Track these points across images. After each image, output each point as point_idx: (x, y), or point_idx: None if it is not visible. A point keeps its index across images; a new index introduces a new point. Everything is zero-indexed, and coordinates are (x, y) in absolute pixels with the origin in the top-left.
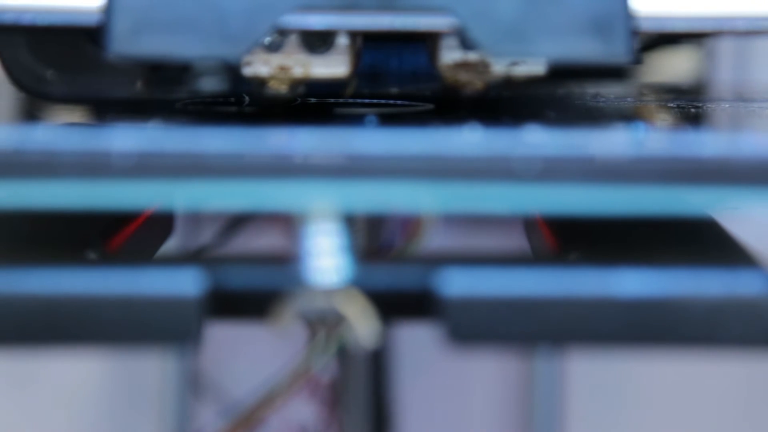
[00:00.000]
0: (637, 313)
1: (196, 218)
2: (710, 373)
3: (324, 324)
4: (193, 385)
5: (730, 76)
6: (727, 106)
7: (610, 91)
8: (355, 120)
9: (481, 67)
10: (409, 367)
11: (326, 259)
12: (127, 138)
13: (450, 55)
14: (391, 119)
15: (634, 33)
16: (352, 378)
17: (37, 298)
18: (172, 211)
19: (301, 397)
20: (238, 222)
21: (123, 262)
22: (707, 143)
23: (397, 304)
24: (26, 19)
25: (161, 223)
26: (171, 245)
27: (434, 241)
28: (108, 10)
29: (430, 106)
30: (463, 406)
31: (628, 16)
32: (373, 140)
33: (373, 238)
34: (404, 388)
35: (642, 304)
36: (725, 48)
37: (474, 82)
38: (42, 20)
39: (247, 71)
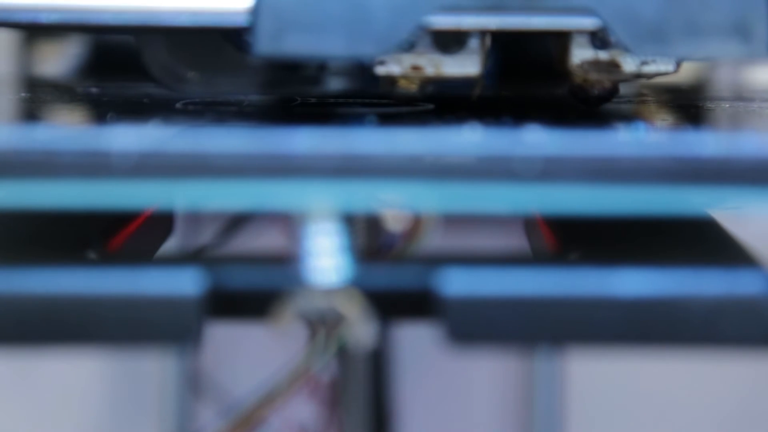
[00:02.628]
0: (637, 313)
1: (196, 218)
2: (710, 373)
3: (324, 324)
4: (193, 385)
5: (730, 75)
6: (727, 105)
7: None
8: (355, 120)
9: (612, 66)
10: (409, 367)
11: (326, 258)
12: (127, 138)
13: (580, 54)
14: (391, 119)
15: None
16: (352, 378)
17: (36, 298)
18: (172, 211)
19: (301, 397)
20: (238, 222)
21: (123, 262)
22: (707, 143)
23: (397, 304)
24: (177, 21)
25: (161, 222)
26: (171, 245)
27: (434, 241)
28: (255, 11)
29: (429, 106)
30: (463, 406)
31: None
32: (373, 140)
33: (373, 238)
34: (404, 387)
35: (642, 304)
36: None
37: (603, 81)
38: (191, 22)
39: (380, 70)
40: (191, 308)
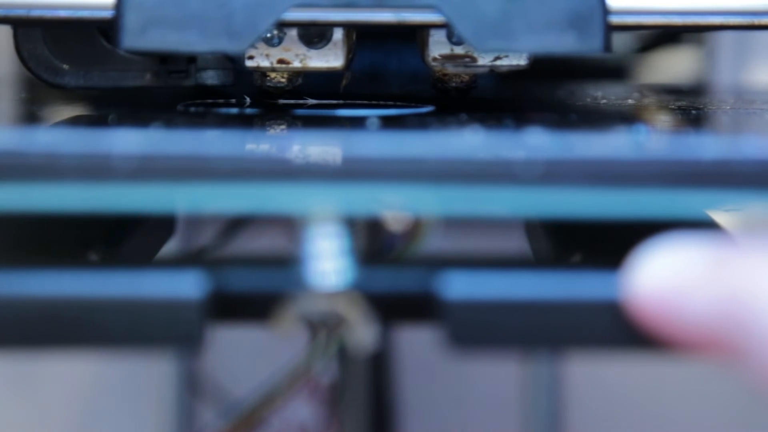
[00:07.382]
0: None
1: (197, 220)
2: (709, 376)
3: (325, 326)
4: (193, 385)
5: (730, 76)
6: (727, 107)
7: (610, 93)
8: (356, 122)
9: (466, 59)
10: (410, 369)
11: (327, 261)
12: (128, 141)
13: (438, 50)
14: (392, 122)
15: (610, 26)
16: (352, 380)
17: (38, 300)
18: (174, 214)
19: (301, 398)
20: (239, 224)
21: (124, 265)
22: (708, 145)
23: (398, 307)
24: (42, 13)
25: (163, 225)
26: (172, 247)
27: (435, 243)
28: (118, 6)
29: (430, 108)
30: (463, 408)
31: (603, 10)
32: (374, 143)
33: (374, 241)
34: (405, 389)
35: None
36: (725, 48)
37: (461, 75)
38: (59, 15)
39: (250, 64)
40: (193, 311)
